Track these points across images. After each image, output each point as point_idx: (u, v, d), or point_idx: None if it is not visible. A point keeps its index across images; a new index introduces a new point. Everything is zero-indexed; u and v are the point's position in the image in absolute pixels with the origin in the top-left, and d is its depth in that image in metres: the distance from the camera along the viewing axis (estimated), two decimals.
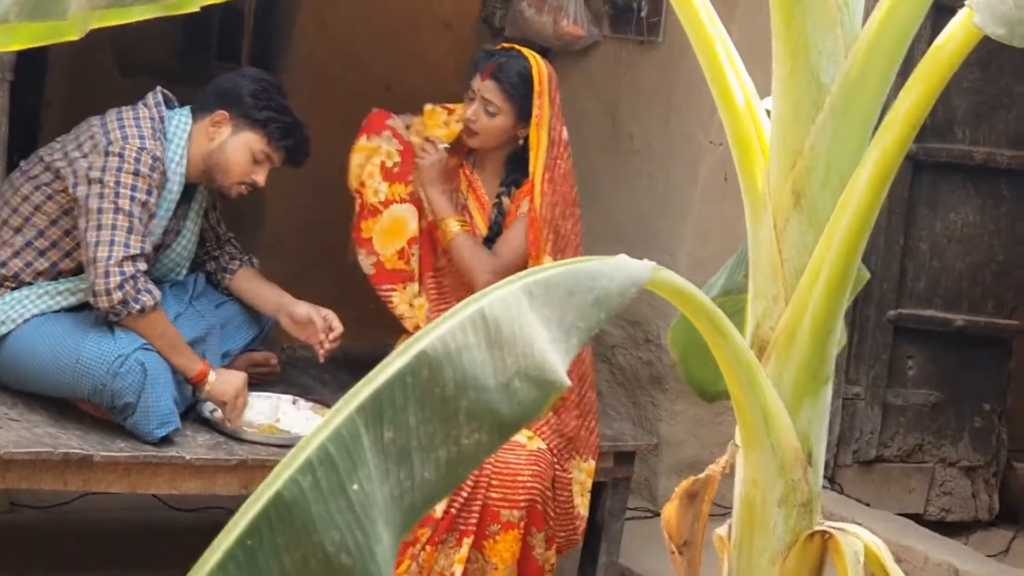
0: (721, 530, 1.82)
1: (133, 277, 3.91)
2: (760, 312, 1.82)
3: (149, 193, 3.97)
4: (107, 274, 3.89)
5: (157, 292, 3.98)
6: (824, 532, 1.75)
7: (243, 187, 4.18)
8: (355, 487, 1.39)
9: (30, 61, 4.91)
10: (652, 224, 5.22)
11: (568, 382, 1.49)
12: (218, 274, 4.44)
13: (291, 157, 4.22)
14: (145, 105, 4.12)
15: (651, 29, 5.28)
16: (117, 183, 3.92)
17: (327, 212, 5.14)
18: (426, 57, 5.30)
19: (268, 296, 4.39)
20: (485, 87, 4.28)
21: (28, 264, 4.07)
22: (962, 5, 1.70)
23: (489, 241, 4.38)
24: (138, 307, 3.91)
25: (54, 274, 4.08)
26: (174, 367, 4.01)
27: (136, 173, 3.94)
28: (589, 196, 4.81)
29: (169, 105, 4.18)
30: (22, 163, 4.17)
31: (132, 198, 3.93)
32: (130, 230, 3.92)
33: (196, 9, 1.95)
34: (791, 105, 1.79)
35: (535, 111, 4.27)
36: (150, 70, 5.18)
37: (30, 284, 4.07)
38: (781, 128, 1.80)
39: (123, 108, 4.11)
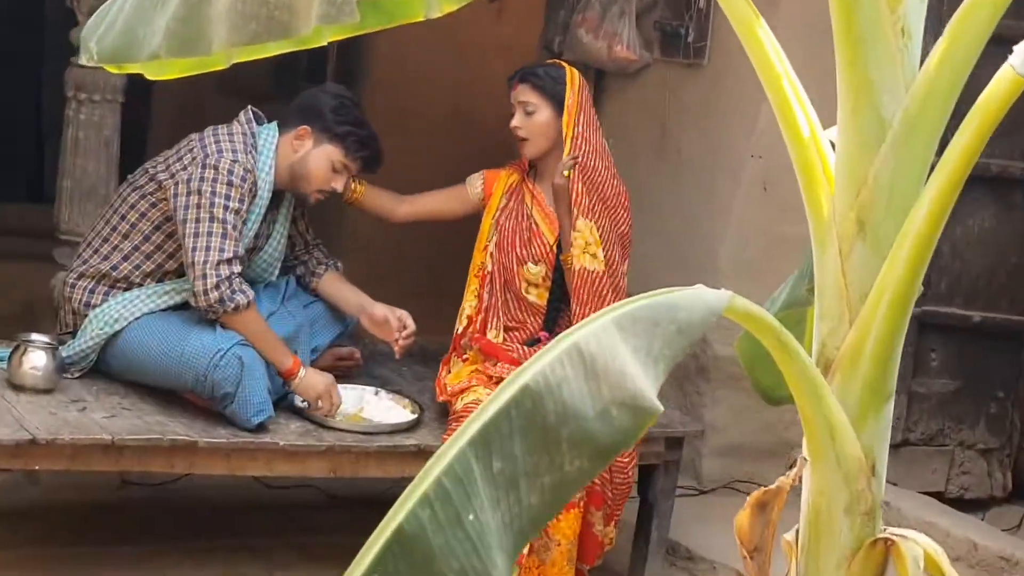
0: (789, 536, 1.76)
1: (228, 279, 3.90)
2: (825, 332, 1.76)
3: (241, 201, 3.96)
4: (204, 276, 3.89)
5: (250, 292, 3.96)
6: (887, 539, 1.69)
7: (322, 194, 4.18)
8: (470, 517, 1.36)
9: (138, 84, 4.88)
10: (698, 227, 5.15)
11: (661, 408, 1.45)
12: (306, 277, 4.42)
13: (367, 166, 4.22)
14: (238, 122, 4.11)
15: (697, 53, 5.20)
16: (212, 193, 3.92)
17: None
18: (489, 80, 5.23)
19: (350, 298, 4.37)
20: (519, 92, 4.23)
21: (137, 267, 4.08)
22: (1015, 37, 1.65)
23: (557, 248, 4.29)
24: (232, 305, 3.91)
25: (160, 275, 4.09)
26: (267, 361, 3.99)
27: (229, 184, 3.93)
28: (641, 202, 4.77)
29: (259, 121, 4.17)
30: (129, 176, 4.18)
31: (226, 207, 3.92)
32: (224, 236, 3.91)
33: (324, 43, 1.95)
34: (855, 138, 1.73)
35: (567, 101, 4.18)
36: (245, 91, 5.13)
37: (140, 285, 4.08)
38: (846, 159, 1.75)
39: (219, 126, 4.11)
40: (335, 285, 4.40)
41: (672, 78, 5.35)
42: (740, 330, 1.82)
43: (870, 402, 1.72)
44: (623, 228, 4.29)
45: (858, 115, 1.73)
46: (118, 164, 4.56)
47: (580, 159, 4.18)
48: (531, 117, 4.20)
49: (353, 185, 4.33)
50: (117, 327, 4.01)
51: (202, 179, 3.93)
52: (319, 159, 4.12)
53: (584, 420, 1.42)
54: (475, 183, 4.44)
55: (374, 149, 4.18)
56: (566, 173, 4.17)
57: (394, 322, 4.25)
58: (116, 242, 4.07)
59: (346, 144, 4.12)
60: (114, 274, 4.06)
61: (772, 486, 1.77)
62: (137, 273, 4.06)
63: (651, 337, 1.49)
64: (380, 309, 4.29)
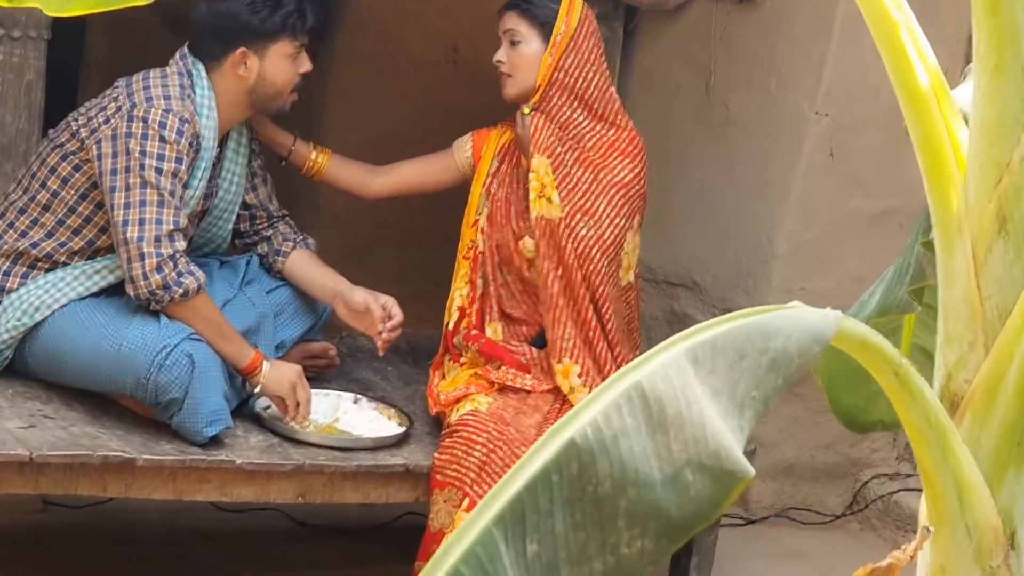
0: None
1: (172, 258, 3.89)
2: (952, 361, 1.67)
3: (179, 161, 3.95)
4: (142, 256, 3.87)
5: (201, 274, 3.96)
6: None
7: (297, 91, 4.21)
8: None
9: (68, 18, 4.82)
10: (749, 203, 5.12)
11: (751, 471, 1.36)
12: (270, 257, 4.42)
13: (319, 33, 4.28)
14: (173, 62, 4.11)
15: None
16: (143, 152, 3.91)
17: None
18: (495, 18, 5.18)
19: (324, 282, 4.38)
20: (506, 20, 4.24)
21: (62, 244, 4.06)
22: None
23: None
24: (180, 291, 3.89)
25: (91, 252, 4.08)
26: (223, 357, 3.98)
27: (162, 140, 3.93)
28: (679, 171, 4.72)
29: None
30: (50, 131, 4.15)
31: (159, 169, 3.91)
32: (162, 203, 3.90)
33: None
34: (996, 109, 1.64)
35: (556, 33, 4.17)
36: None
37: (65, 265, 4.06)
38: (984, 136, 1.65)
39: (151, 69, 4.10)
40: (306, 266, 4.39)
41: (719, 17, 5.31)
42: None
43: (1010, 453, 1.63)
44: (623, 176, 4.25)
45: (1000, 78, 1.63)
46: (42, 115, 4.50)
47: (543, 106, 4.22)
48: (516, 48, 4.21)
49: (313, 155, 4.40)
50: (38, 317, 3.99)
51: (129, 135, 3.91)
52: (275, 65, 4.12)
53: (649, 487, 1.33)
54: (464, 147, 4.46)
55: (317, 12, 4.20)
56: (526, 110, 4.20)
57: (377, 311, 4.23)
58: (35, 215, 4.04)
59: (288, 28, 4.11)
60: (34, 252, 4.03)
61: (882, 563, 1.66)
62: (62, 251, 4.04)
63: (735, 373, 1.39)
64: (360, 295, 4.27)
